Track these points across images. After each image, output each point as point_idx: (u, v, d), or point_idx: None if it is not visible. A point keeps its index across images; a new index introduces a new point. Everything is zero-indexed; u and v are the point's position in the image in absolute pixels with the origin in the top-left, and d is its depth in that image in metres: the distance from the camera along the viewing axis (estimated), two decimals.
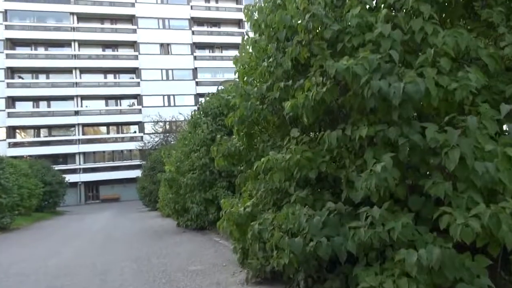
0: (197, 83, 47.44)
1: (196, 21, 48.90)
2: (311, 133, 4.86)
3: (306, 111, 4.24)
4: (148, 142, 37.58)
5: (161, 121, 41.68)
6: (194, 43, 48.31)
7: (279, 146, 5.03)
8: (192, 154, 12.40)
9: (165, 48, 47.79)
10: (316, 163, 4.36)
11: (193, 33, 48.29)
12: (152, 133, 40.28)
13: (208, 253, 8.33)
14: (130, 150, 45.75)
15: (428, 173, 3.90)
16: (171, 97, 46.96)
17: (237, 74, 5.81)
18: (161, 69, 47.01)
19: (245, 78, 5.88)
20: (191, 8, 48.56)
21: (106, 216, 23.21)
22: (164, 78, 47.25)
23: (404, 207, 3.85)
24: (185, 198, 12.54)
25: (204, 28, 49.41)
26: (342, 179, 4.30)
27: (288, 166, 4.43)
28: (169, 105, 46.41)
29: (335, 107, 4.52)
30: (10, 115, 42.95)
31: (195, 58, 48.34)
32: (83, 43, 45.81)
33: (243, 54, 5.76)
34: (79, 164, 45.30)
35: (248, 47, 5.85)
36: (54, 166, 42.56)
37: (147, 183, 24.47)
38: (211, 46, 49.51)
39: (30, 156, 39.19)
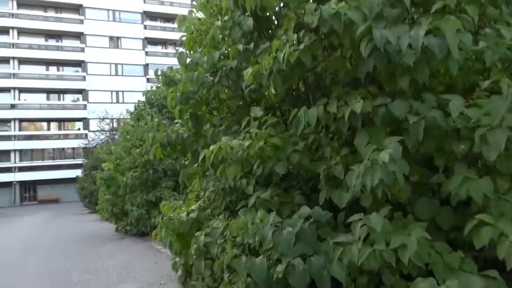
0: (148, 80, 44.96)
1: (149, 15, 46.55)
2: (278, 113, 3.66)
3: (274, 79, 3.04)
4: (93, 140, 34.87)
5: (107, 118, 39.05)
6: (146, 38, 45.92)
7: (235, 132, 3.79)
8: (133, 150, 10.84)
9: (114, 41, 44.97)
10: (285, 152, 3.17)
11: (145, 27, 45.90)
12: (98, 131, 37.56)
13: (146, 267, 6.91)
14: (73, 148, 42.45)
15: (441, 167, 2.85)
16: (120, 94, 44.20)
17: (183, 38, 4.47)
18: (110, 64, 44.13)
19: (193, 49, 4.57)
20: (144, 2, 46.16)
21: (39, 219, 20.76)
22: (113, 73, 44.41)
23: (406, 215, 2.75)
24: (124, 200, 10.95)
25: (157, 23, 47.17)
26: (320, 175, 3.15)
27: (247, 157, 3.21)
28: (117, 102, 43.63)
29: (312, 79, 3.37)
30: None
31: (146, 53, 45.94)
32: (23, 31, 41.93)
33: (193, 16, 4.46)
34: (15, 162, 41.33)
35: (196, 13, 4.55)
36: None
37: (87, 183, 22.24)
38: (164, 42, 47.32)
39: None
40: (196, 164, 4.40)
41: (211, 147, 3.37)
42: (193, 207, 4.62)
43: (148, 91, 12.28)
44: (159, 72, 4.78)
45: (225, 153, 3.24)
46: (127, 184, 10.44)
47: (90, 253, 8.83)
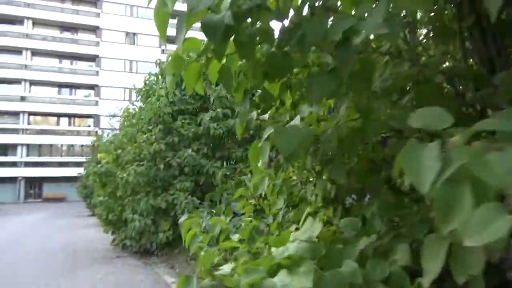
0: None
1: None
2: None
3: None
4: (102, 136, 31.93)
5: (119, 116, 36.15)
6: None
7: None
8: (139, 136, 7.70)
9: (130, 37, 42.34)
10: None
11: None
12: (108, 129, 34.68)
13: None
14: (82, 146, 39.59)
15: None
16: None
17: None
18: (125, 60, 41.43)
19: None
20: None
21: (31, 220, 17.68)
22: (127, 69, 41.67)
23: None
24: (123, 204, 7.78)
25: (175, 21, 44.43)
26: None
27: None
28: (131, 100, 40.85)
29: None
30: None
31: (162, 52, 43.13)
32: (38, 22, 39.55)
33: None
34: (21, 157, 38.57)
35: None
36: None
37: (89, 182, 19.16)
38: None
39: None
40: None
41: None
42: (291, 246, 1.42)
43: (160, 59, 9.15)
44: None
45: None
46: (128, 182, 7.26)
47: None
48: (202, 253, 2.06)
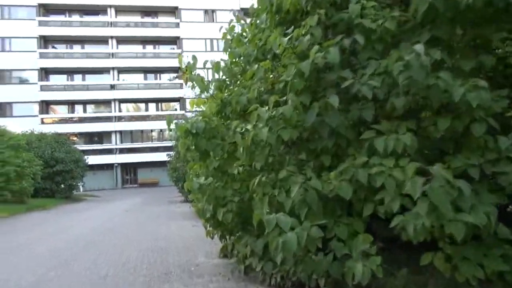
0: None
1: None
2: None
3: None
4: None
5: (203, 98, 33.22)
6: (242, 9, 39.28)
7: None
8: (271, 41, 3.49)
9: (209, 15, 39.18)
10: None
11: None
12: (195, 111, 31.94)
13: None
14: (171, 130, 37.71)
15: None
16: None
17: None
18: (205, 39, 38.44)
19: None
20: None
21: (120, 209, 14.98)
22: (208, 49, 38.65)
23: None
24: (243, 192, 3.71)
25: None
26: None
27: None
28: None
29: None
30: (43, 88, 36.13)
31: (243, 27, 39.30)
32: (120, 10, 38.18)
33: None
34: (116, 144, 37.96)
35: None
36: (89, 145, 35.90)
37: (179, 164, 16.03)
38: None
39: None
40: None
41: None
42: None
43: None
44: None
45: None
46: (257, 143, 3.13)
47: None
48: None
